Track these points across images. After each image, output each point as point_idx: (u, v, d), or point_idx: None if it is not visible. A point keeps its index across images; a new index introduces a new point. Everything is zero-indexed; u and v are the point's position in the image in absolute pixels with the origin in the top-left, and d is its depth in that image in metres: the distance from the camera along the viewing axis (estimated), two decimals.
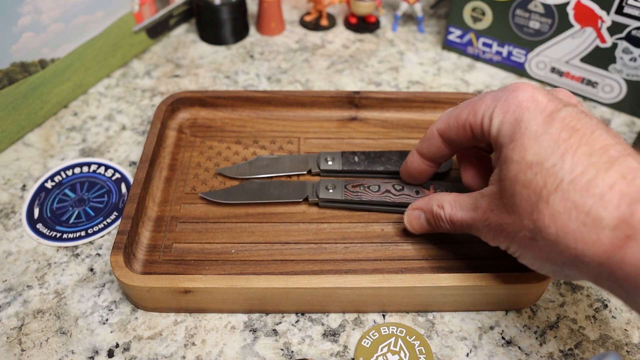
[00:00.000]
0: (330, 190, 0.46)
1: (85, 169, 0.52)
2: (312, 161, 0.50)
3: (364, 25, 0.71)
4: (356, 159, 0.49)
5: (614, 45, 0.55)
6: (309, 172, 0.49)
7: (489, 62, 0.65)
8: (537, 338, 0.40)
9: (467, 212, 0.37)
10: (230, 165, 0.50)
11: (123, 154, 0.54)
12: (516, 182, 0.32)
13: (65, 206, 0.49)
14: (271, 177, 0.49)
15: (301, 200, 0.46)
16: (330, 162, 0.49)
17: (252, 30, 0.71)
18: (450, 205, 0.39)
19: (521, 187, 0.31)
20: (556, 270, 0.33)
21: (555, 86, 0.62)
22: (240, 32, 0.69)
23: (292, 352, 0.39)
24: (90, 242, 0.46)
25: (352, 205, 0.46)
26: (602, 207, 0.28)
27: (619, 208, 0.28)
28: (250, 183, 0.47)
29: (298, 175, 0.49)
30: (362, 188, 0.46)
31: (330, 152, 0.50)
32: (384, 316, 0.41)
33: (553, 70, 0.61)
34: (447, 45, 0.67)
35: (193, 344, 0.39)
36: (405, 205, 0.45)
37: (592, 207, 0.28)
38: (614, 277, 0.29)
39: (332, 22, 0.72)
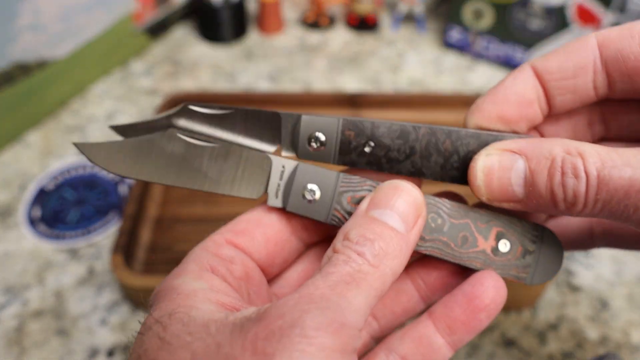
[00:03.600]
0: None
1: (84, 169, 0.52)
2: None
3: (364, 25, 0.71)
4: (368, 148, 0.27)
5: None
6: None
7: (489, 62, 0.65)
8: (537, 338, 0.40)
9: None
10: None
11: None
12: None
13: (65, 206, 0.48)
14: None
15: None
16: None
17: (252, 30, 0.71)
18: (600, 157, 0.20)
19: None
20: None
21: None
22: (240, 32, 0.69)
23: None
24: (90, 242, 0.46)
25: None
26: None
27: None
28: (170, 140, 0.23)
29: None
30: None
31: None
32: None
33: None
34: (447, 45, 0.67)
35: None
36: None
37: None
38: None
39: (332, 22, 0.72)
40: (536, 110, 0.24)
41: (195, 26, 0.70)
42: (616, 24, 0.54)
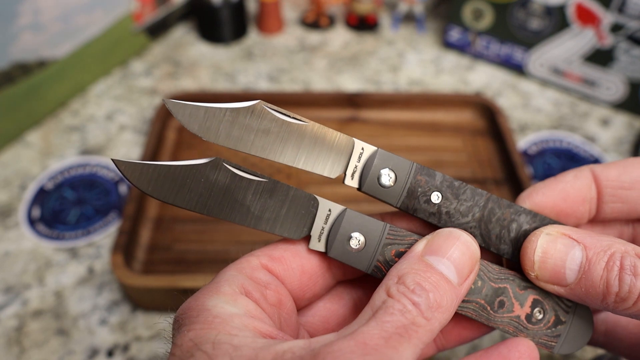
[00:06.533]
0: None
1: (84, 169, 0.52)
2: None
3: (364, 25, 0.71)
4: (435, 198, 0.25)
5: (614, 45, 0.55)
6: None
7: (489, 61, 0.65)
8: None
9: None
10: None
11: (123, 154, 0.54)
12: None
13: (65, 206, 0.48)
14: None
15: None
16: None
17: (252, 30, 0.71)
18: None
19: None
20: None
21: (555, 85, 0.62)
22: (240, 32, 0.69)
23: None
24: (90, 242, 0.46)
25: None
26: None
27: None
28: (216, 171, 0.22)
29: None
30: None
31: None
32: None
33: (553, 70, 0.61)
34: (447, 45, 0.67)
35: None
36: None
37: None
38: None
39: (332, 22, 0.72)
40: (586, 211, 0.25)
41: (195, 26, 0.70)
42: (616, 24, 0.54)
